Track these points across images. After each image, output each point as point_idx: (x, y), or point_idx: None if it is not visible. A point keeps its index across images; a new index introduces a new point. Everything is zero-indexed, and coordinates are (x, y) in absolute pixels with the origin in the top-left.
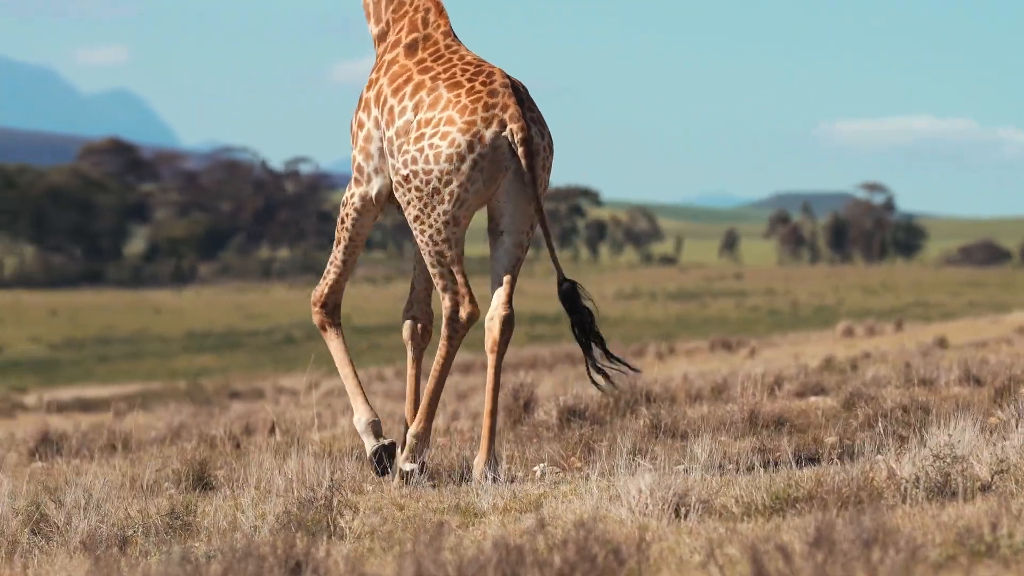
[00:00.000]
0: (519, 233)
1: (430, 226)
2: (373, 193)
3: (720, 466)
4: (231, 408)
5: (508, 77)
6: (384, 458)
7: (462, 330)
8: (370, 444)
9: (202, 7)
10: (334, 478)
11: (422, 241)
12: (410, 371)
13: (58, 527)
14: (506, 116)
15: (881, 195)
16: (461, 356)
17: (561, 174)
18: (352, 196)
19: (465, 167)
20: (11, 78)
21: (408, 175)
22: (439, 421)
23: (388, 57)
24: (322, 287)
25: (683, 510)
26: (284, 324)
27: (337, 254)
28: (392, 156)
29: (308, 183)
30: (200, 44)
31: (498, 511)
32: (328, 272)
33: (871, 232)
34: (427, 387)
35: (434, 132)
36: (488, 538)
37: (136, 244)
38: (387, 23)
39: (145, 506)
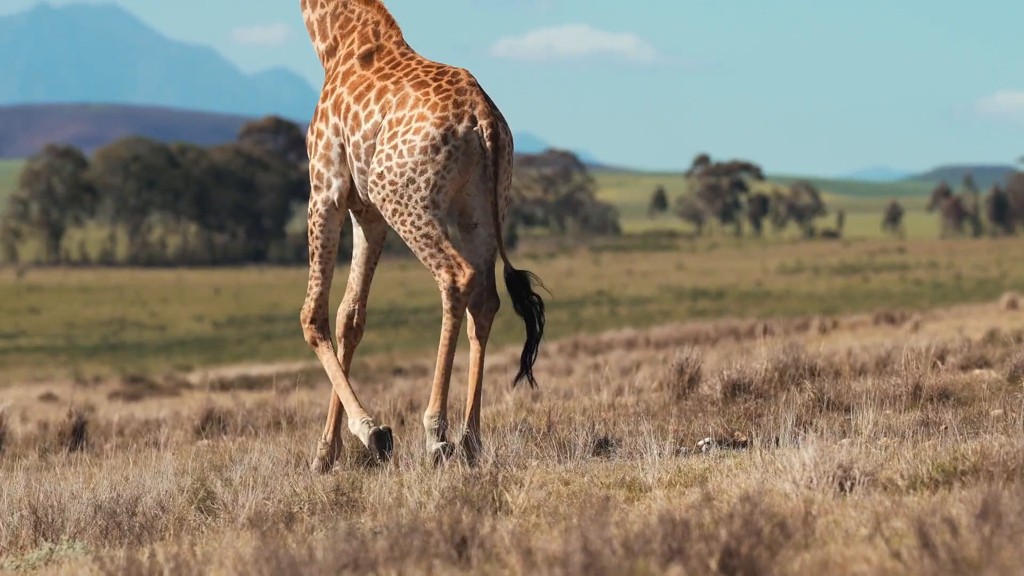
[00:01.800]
0: (491, 224)
1: (410, 213)
2: (335, 197)
3: (884, 439)
4: (395, 385)
5: (472, 77)
6: (386, 440)
7: (464, 298)
8: (365, 433)
9: None
10: (499, 453)
11: (405, 231)
12: (341, 366)
13: (225, 505)
14: (476, 112)
15: None
16: (625, 333)
17: (723, 149)
18: (316, 204)
19: (440, 157)
20: (172, 58)
21: (383, 171)
22: (604, 396)
23: (343, 69)
24: (308, 304)
25: (848, 483)
26: None
27: (314, 267)
28: (359, 160)
29: None
30: None
31: (663, 485)
32: (311, 288)
33: None
34: (437, 364)
35: (407, 129)
36: (654, 512)
37: (299, 222)
38: (335, 39)
39: (311, 483)
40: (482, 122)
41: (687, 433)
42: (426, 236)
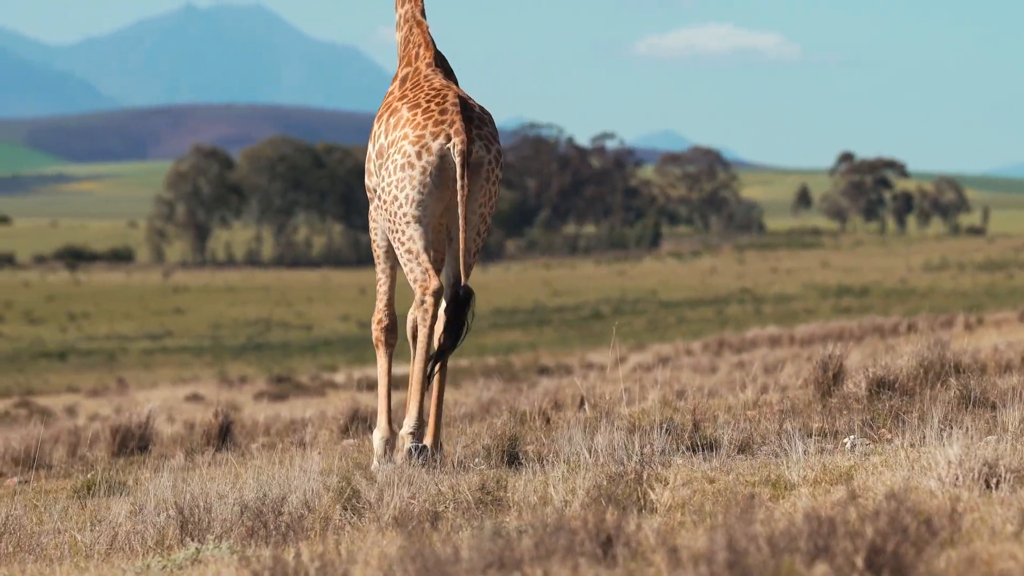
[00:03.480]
0: (468, 240)
1: (397, 229)
2: None
3: None
4: (539, 384)
5: (463, 100)
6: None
7: (432, 308)
8: (374, 461)
9: None
10: (644, 452)
11: (396, 247)
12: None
13: (370, 503)
14: (452, 131)
15: None
16: (770, 330)
17: (867, 146)
18: (372, 212)
19: (416, 173)
20: (317, 58)
21: (387, 187)
22: (748, 394)
23: (390, 88)
24: (377, 309)
25: (994, 480)
26: (591, 300)
27: (378, 271)
28: (376, 175)
29: (614, 159)
30: (503, 21)
31: (808, 483)
32: (378, 292)
33: None
34: (413, 374)
35: (395, 150)
36: (799, 510)
37: None
38: (401, 59)
39: (456, 482)
40: (455, 139)
41: (832, 431)
42: (408, 251)
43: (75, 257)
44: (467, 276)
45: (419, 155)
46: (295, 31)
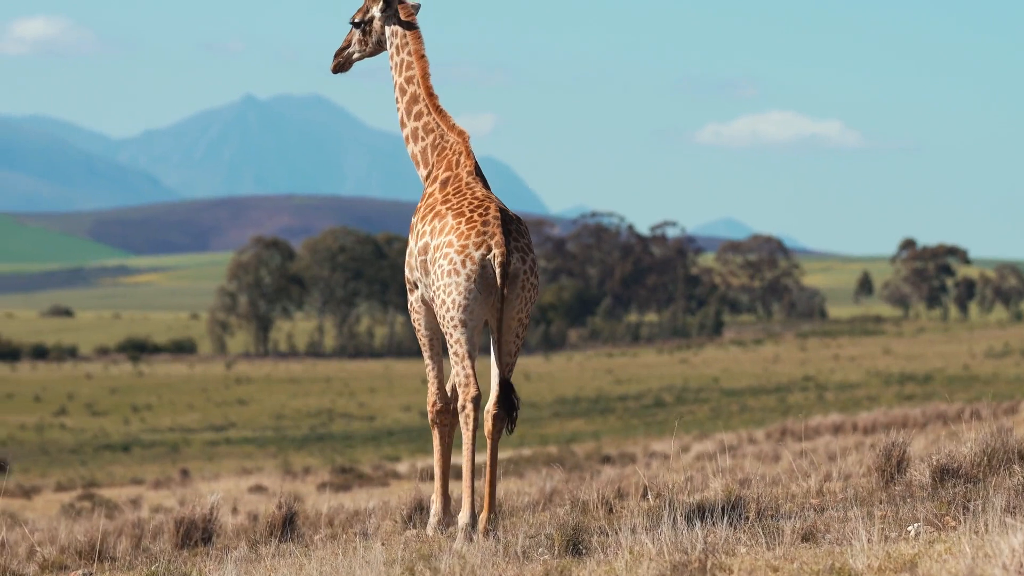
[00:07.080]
0: (508, 343)
1: (446, 331)
2: (416, 300)
3: None
4: (602, 473)
5: (503, 211)
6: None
7: (472, 414)
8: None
9: (566, 75)
10: (707, 540)
11: (447, 343)
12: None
13: None
14: (492, 242)
15: None
16: (832, 418)
17: (929, 233)
18: (412, 304)
19: (461, 280)
20: (377, 148)
21: (435, 291)
22: (811, 482)
23: (429, 190)
24: (430, 393)
25: None
26: (654, 388)
27: (426, 358)
28: (417, 269)
29: (675, 247)
30: (564, 110)
31: (873, 571)
32: (428, 377)
33: None
34: (463, 467)
35: (442, 255)
36: None
37: None
38: (433, 165)
39: (520, 572)
40: (495, 251)
41: (896, 518)
42: (455, 353)
43: (138, 349)
44: (509, 373)
45: (463, 263)
46: (356, 121)
